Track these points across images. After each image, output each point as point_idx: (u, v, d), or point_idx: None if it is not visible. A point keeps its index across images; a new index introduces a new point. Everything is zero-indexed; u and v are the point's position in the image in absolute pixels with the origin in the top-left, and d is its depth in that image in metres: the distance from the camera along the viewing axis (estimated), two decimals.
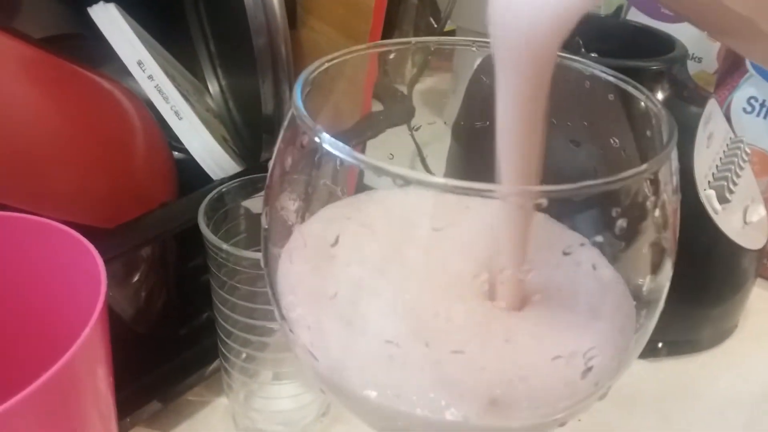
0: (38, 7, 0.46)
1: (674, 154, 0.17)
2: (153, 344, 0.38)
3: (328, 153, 0.15)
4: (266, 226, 0.19)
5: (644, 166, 0.15)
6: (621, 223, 0.15)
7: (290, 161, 0.17)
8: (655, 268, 0.19)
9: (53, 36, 0.46)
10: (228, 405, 0.40)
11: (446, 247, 0.18)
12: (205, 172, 0.39)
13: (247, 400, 0.36)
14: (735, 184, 0.44)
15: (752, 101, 0.51)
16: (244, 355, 0.35)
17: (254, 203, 0.36)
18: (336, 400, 0.19)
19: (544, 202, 0.14)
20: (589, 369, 0.16)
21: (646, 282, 0.18)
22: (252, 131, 0.47)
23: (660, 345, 0.46)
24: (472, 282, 0.18)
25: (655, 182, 0.16)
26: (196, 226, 0.32)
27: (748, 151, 0.47)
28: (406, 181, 0.14)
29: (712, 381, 0.45)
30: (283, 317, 0.19)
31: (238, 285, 0.31)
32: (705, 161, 0.44)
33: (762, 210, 0.47)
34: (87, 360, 0.23)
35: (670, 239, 0.19)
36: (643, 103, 0.19)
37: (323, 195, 0.17)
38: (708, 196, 0.42)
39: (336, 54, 0.20)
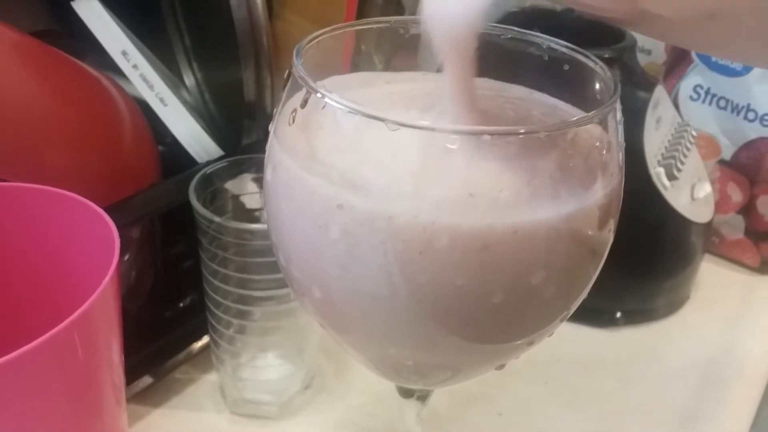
0: (11, 3, 0.47)
1: (618, 106, 0.20)
2: (141, 323, 0.39)
3: (329, 105, 0.18)
4: (269, 178, 0.21)
5: (594, 112, 0.18)
6: (577, 159, 0.18)
7: (293, 116, 0.20)
8: (603, 220, 0.21)
9: (29, 33, 0.47)
10: (214, 382, 0.42)
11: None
12: (179, 164, 0.41)
13: (235, 372, 0.38)
14: (682, 163, 0.48)
15: (698, 89, 0.55)
16: (232, 328, 0.37)
17: (237, 185, 0.38)
18: (333, 317, 0.22)
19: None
20: None
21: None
22: (229, 121, 0.49)
23: (618, 315, 0.49)
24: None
25: (603, 123, 0.19)
26: (180, 212, 0.33)
27: (694, 134, 0.51)
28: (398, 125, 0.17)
29: (668, 346, 0.49)
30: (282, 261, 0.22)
31: (228, 256, 0.33)
32: (654, 142, 0.47)
33: (708, 187, 0.51)
34: (102, 315, 0.24)
35: (616, 188, 0.22)
36: (592, 69, 0.22)
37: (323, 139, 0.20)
38: (658, 173, 0.46)
39: (325, 30, 0.23)
